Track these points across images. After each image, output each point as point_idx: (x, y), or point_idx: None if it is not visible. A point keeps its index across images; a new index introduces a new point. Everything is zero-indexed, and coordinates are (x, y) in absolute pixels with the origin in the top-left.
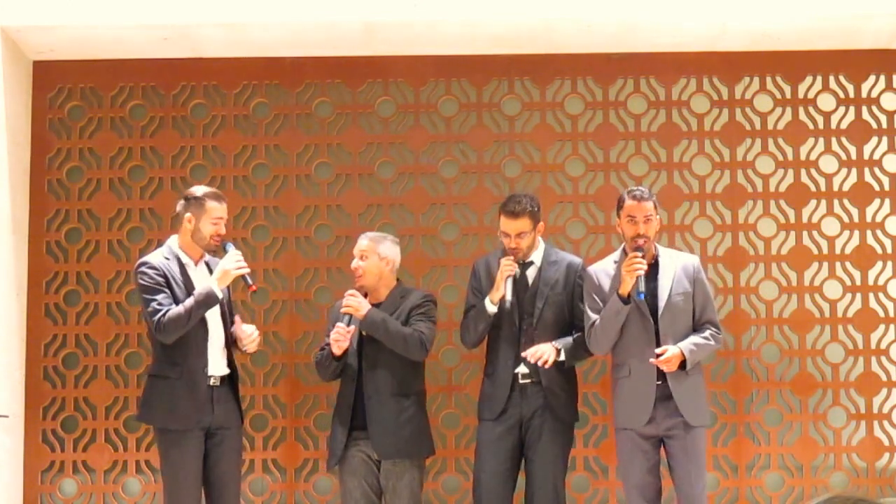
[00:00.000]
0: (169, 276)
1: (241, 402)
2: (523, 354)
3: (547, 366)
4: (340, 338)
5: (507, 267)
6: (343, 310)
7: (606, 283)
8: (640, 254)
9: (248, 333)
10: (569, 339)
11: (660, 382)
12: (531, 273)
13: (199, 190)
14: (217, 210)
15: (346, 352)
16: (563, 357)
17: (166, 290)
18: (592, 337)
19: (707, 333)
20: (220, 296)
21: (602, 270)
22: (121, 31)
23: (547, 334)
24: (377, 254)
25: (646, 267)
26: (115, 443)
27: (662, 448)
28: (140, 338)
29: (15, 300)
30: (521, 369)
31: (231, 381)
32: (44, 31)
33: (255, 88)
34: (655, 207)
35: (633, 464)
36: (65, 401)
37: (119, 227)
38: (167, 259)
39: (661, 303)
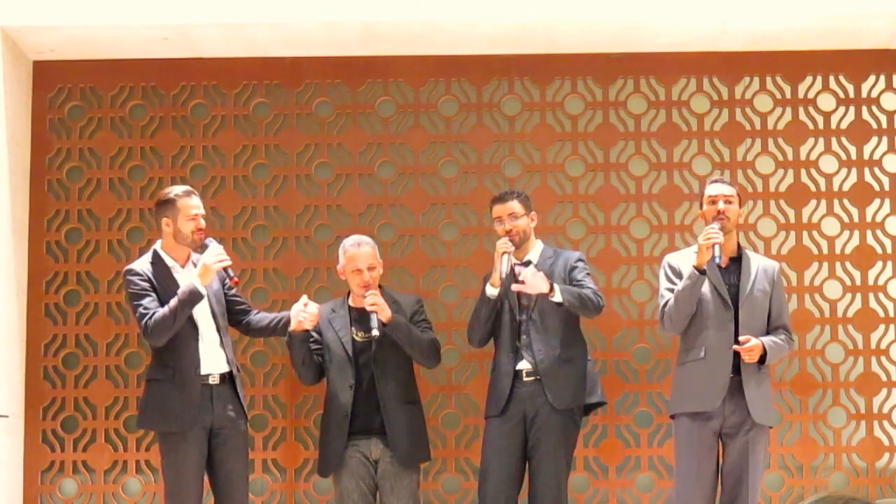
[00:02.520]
0: (154, 280)
1: (244, 400)
2: (518, 283)
3: (527, 284)
4: (310, 316)
5: (502, 244)
6: (369, 307)
7: (686, 269)
8: (716, 226)
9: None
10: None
11: (733, 375)
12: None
13: (167, 192)
14: (190, 206)
15: (315, 342)
16: (557, 296)
17: (152, 294)
18: (666, 314)
19: (783, 336)
20: (204, 292)
21: (681, 258)
22: (121, 31)
23: (544, 326)
24: (378, 261)
25: (722, 238)
26: (115, 443)
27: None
28: (140, 338)
29: (15, 300)
30: (524, 366)
31: (232, 378)
32: (44, 31)
33: (255, 88)
34: (739, 197)
35: (697, 455)
36: (65, 401)
37: (119, 227)
38: (152, 264)
39: (744, 294)
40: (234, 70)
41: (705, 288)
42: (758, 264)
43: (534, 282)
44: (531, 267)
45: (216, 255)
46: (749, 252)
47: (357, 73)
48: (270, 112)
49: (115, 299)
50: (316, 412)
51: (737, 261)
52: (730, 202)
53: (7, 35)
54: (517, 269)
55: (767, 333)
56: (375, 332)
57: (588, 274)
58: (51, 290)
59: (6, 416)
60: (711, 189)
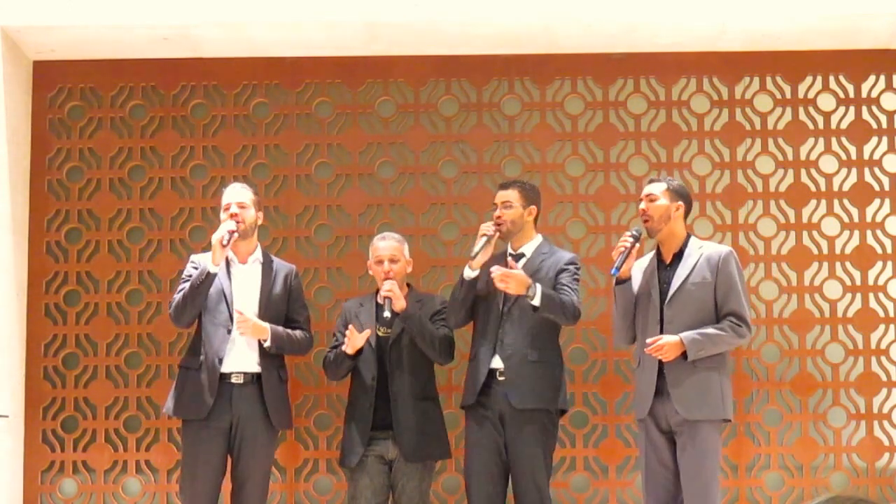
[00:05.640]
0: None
1: (272, 403)
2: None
3: (501, 281)
4: (359, 341)
5: (486, 227)
6: (384, 293)
7: (635, 275)
8: (628, 233)
9: None
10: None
11: (663, 376)
12: (520, 264)
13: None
14: (224, 200)
15: (359, 351)
16: (535, 298)
17: None
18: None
19: (724, 324)
20: (214, 270)
21: (637, 267)
22: (121, 31)
23: (521, 324)
24: (404, 257)
25: (628, 244)
26: (115, 443)
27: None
28: (140, 338)
29: (15, 300)
30: (497, 364)
31: (260, 380)
32: (44, 31)
33: (255, 88)
34: (669, 192)
35: (645, 455)
36: (65, 401)
37: (119, 227)
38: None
39: (672, 291)
40: (234, 70)
41: (644, 292)
42: (699, 255)
43: (513, 281)
44: (520, 262)
45: (219, 231)
46: (698, 243)
47: (357, 73)
48: (270, 112)
49: (115, 299)
50: (316, 412)
51: (677, 256)
52: (653, 200)
53: (7, 35)
54: (510, 261)
55: (718, 323)
56: (387, 314)
57: (576, 279)
58: (51, 290)
59: (6, 416)
60: (645, 189)
